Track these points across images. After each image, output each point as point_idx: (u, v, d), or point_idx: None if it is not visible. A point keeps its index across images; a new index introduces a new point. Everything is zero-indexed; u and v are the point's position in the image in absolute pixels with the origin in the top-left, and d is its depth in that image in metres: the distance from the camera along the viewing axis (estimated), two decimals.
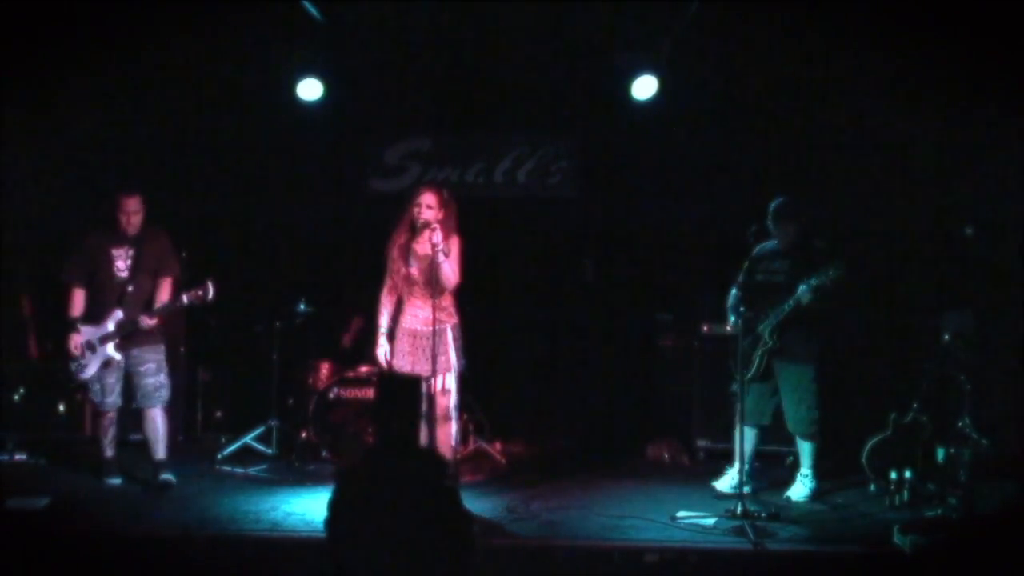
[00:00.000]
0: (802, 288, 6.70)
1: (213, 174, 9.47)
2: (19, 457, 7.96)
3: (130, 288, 7.07)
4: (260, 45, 8.58)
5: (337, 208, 9.82)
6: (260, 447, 8.31)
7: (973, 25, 6.71)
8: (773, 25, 7.85)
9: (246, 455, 8.21)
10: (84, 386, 7.24)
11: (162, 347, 7.25)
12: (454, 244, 6.70)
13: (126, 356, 7.10)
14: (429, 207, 6.70)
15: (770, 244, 7.12)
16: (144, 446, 7.32)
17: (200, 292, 6.85)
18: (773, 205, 7.04)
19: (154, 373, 7.13)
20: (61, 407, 8.31)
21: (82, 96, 8.59)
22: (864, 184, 8.86)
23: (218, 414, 9.13)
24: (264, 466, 7.97)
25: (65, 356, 7.15)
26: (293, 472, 7.77)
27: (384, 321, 6.97)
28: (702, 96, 9.12)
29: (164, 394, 7.17)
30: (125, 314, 7.01)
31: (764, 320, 6.91)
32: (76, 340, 7.03)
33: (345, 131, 9.77)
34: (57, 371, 8.28)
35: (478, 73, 9.23)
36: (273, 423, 8.34)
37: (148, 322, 6.97)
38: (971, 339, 7.60)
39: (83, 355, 7.05)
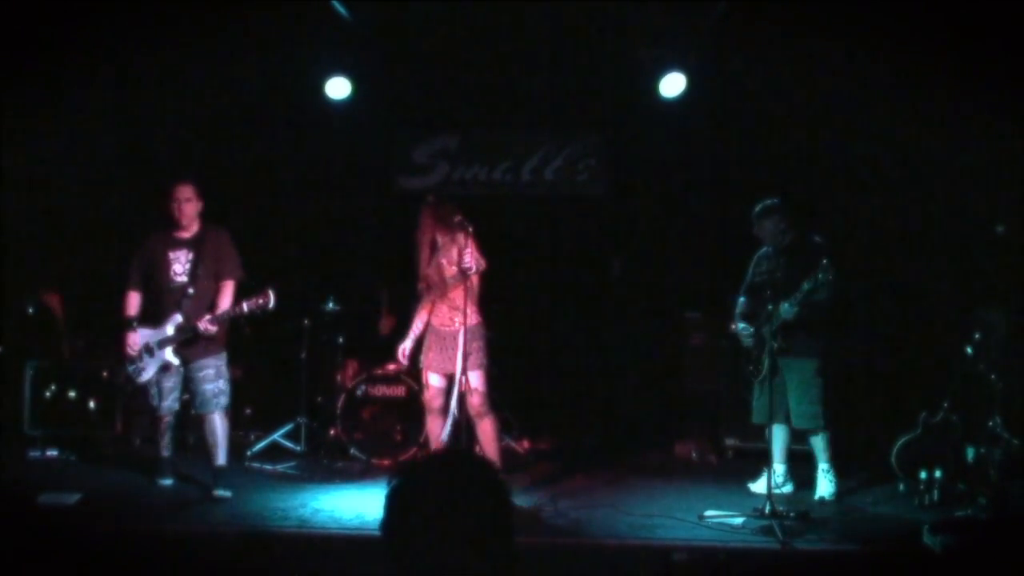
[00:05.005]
0: (785, 307, 6.70)
1: (241, 172, 9.53)
2: (51, 453, 8.05)
3: (190, 291, 6.86)
4: (289, 43, 8.62)
5: (365, 206, 9.87)
6: (289, 444, 8.36)
7: (1001, 25, 6.68)
8: (800, 23, 7.81)
9: (275, 452, 8.26)
10: (143, 389, 7.07)
11: (223, 353, 7.02)
12: (463, 241, 6.69)
13: (185, 361, 6.88)
14: (424, 223, 6.87)
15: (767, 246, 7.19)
16: (200, 449, 7.30)
17: (261, 300, 6.65)
18: (756, 207, 7.13)
19: (212, 379, 6.90)
20: (92, 404, 8.36)
21: (108, 96, 8.64)
22: (894, 182, 8.81)
23: (247, 411, 9.16)
24: (293, 463, 8.01)
25: (122, 357, 7.04)
26: (321, 469, 7.80)
27: (417, 324, 7.05)
28: (730, 93, 9.10)
29: (223, 400, 6.96)
30: (185, 319, 6.80)
31: (765, 323, 6.87)
32: (134, 339, 6.89)
33: (373, 129, 9.82)
34: (88, 368, 8.40)
35: (505, 71, 9.24)
36: (302, 420, 8.39)
37: (208, 328, 6.71)
38: (1002, 338, 7.54)
39: (140, 357, 6.89)
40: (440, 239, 6.81)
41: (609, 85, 9.36)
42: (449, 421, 6.76)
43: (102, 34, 7.50)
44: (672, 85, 8.79)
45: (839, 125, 8.89)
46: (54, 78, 7.83)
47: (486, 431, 6.72)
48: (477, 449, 6.90)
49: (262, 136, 9.58)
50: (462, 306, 6.55)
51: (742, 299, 7.28)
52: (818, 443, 6.99)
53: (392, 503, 2.17)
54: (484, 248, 6.64)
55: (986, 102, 7.68)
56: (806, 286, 6.55)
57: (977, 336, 7.27)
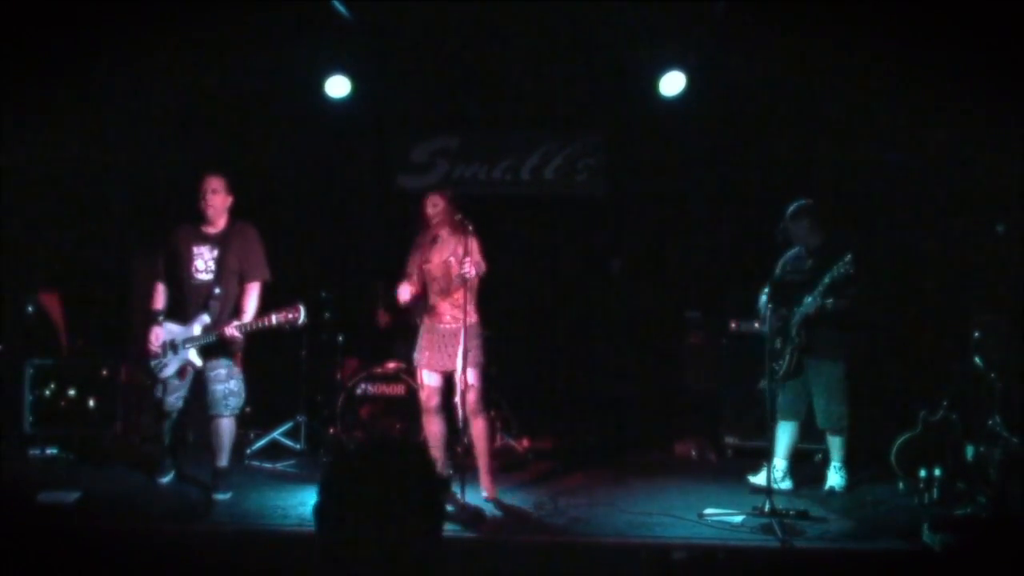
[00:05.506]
0: (808, 300, 6.88)
1: (241, 172, 9.48)
2: (50, 452, 8.03)
3: (217, 291, 6.70)
4: (289, 42, 8.61)
5: (365, 205, 9.86)
6: (288, 443, 8.36)
7: (1001, 23, 6.68)
8: (800, 21, 7.82)
9: (275, 450, 8.26)
10: (163, 384, 6.84)
11: (238, 354, 6.85)
12: (473, 244, 6.66)
13: (204, 360, 6.75)
14: (435, 205, 6.80)
15: (798, 246, 7.20)
16: (201, 447, 7.27)
17: (291, 316, 6.45)
18: (789, 208, 7.17)
19: (223, 380, 6.74)
20: (91, 403, 8.36)
21: (106, 95, 8.64)
22: (894, 181, 8.82)
23: (247, 410, 9.13)
24: (292, 461, 8.01)
25: (144, 352, 6.88)
26: (321, 468, 7.79)
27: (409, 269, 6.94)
28: (730, 93, 9.10)
29: (233, 402, 6.79)
30: (212, 321, 6.67)
31: (791, 319, 7.00)
32: (157, 333, 6.77)
33: (373, 128, 9.81)
34: (87, 367, 8.39)
35: (505, 70, 9.23)
36: (301, 419, 8.39)
37: (235, 335, 6.60)
38: (1002, 337, 7.54)
39: (164, 353, 6.77)
40: (444, 234, 6.79)
41: (609, 84, 9.35)
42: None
43: (101, 32, 7.50)
44: (672, 84, 8.79)
45: (839, 124, 8.89)
46: (52, 76, 7.82)
47: (480, 429, 6.71)
48: (474, 451, 6.88)
49: (262, 135, 9.56)
50: (463, 304, 6.55)
51: (764, 299, 7.17)
52: (835, 443, 7.14)
53: (326, 489, 2.23)
54: (484, 247, 6.64)
55: (987, 101, 7.69)
56: (827, 279, 6.71)
57: (977, 335, 7.28)
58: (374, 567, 2.13)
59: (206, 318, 6.70)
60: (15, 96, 7.73)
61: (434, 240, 6.84)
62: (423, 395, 6.91)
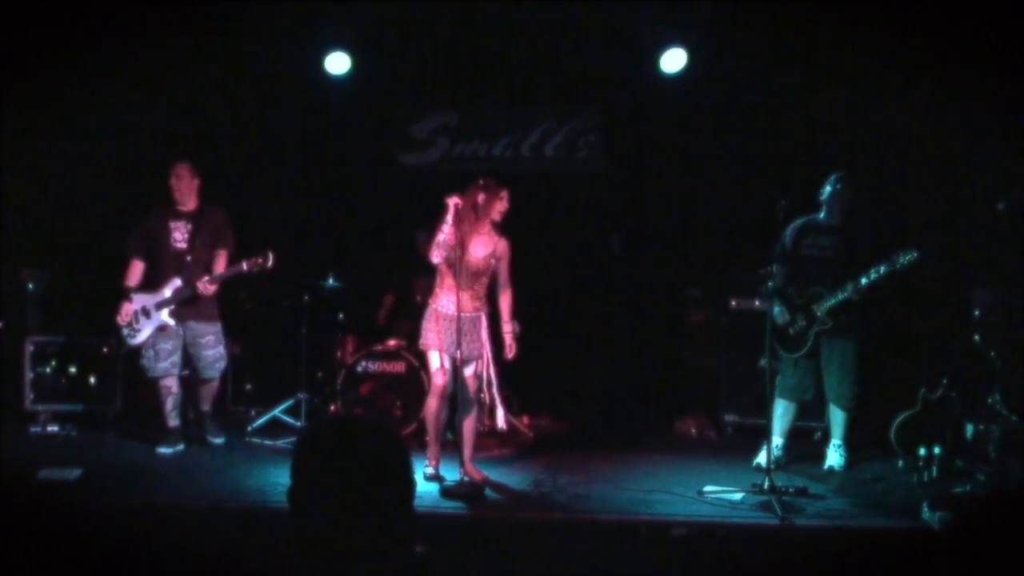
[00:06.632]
0: (850, 286, 6.77)
1: (242, 149, 9.50)
2: (51, 429, 8.06)
3: (189, 259, 7.37)
4: (288, 19, 8.57)
5: (365, 182, 9.84)
6: (289, 420, 8.36)
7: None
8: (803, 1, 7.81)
9: (275, 428, 8.27)
10: (135, 352, 7.53)
11: (219, 322, 7.58)
12: (505, 247, 6.69)
13: (185, 328, 7.43)
14: (508, 202, 6.71)
15: (815, 219, 7.11)
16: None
17: (260, 260, 7.14)
18: (829, 180, 7.09)
19: (213, 345, 7.51)
20: (92, 380, 8.37)
21: (108, 73, 8.61)
22: (895, 159, 8.79)
23: (248, 387, 9.17)
24: (293, 439, 8.01)
25: (116, 323, 7.40)
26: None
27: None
28: (731, 70, 9.07)
29: (221, 365, 7.63)
30: (184, 282, 7.30)
31: (821, 301, 6.93)
32: (127, 308, 7.34)
33: (373, 105, 9.78)
34: (88, 344, 8.39)
35: (505, 47, 9.19)
36: (302, 396, 8.38)
37: (207, 288, 7.25)
38: (1002, 315, 7.54)
39: (136, 321, 7.36)
40: (490, 231, 6.65)
41: (610, 61, 9.30)
42: (501, 412, 6.71)
43: (101, 12, 7.49)
44: (673, 61, 8.76)
45: (840, 102, 8.85)
46: (52, 53, 7.81)
47: (473, 417, 6.68)
48: (462, 436, 6.77)
49: (262, 112, 9.53)
50: (484, 294, 6.66)
51: (775, 268, 7.00)
52: (840, 419, 7.12)
53: (296, 469, 2.24)
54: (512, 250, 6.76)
55: (989, 82, 7.66)
56: (883, 268, 6.63)
57: (977, 313, 7.27)
58: (347, 546, 2.15)
59: (177, 281, 7.36)
60: (16, 75, 7.74)
61: (480, 233, 6.62)
62: (440, 380, 6.63)
